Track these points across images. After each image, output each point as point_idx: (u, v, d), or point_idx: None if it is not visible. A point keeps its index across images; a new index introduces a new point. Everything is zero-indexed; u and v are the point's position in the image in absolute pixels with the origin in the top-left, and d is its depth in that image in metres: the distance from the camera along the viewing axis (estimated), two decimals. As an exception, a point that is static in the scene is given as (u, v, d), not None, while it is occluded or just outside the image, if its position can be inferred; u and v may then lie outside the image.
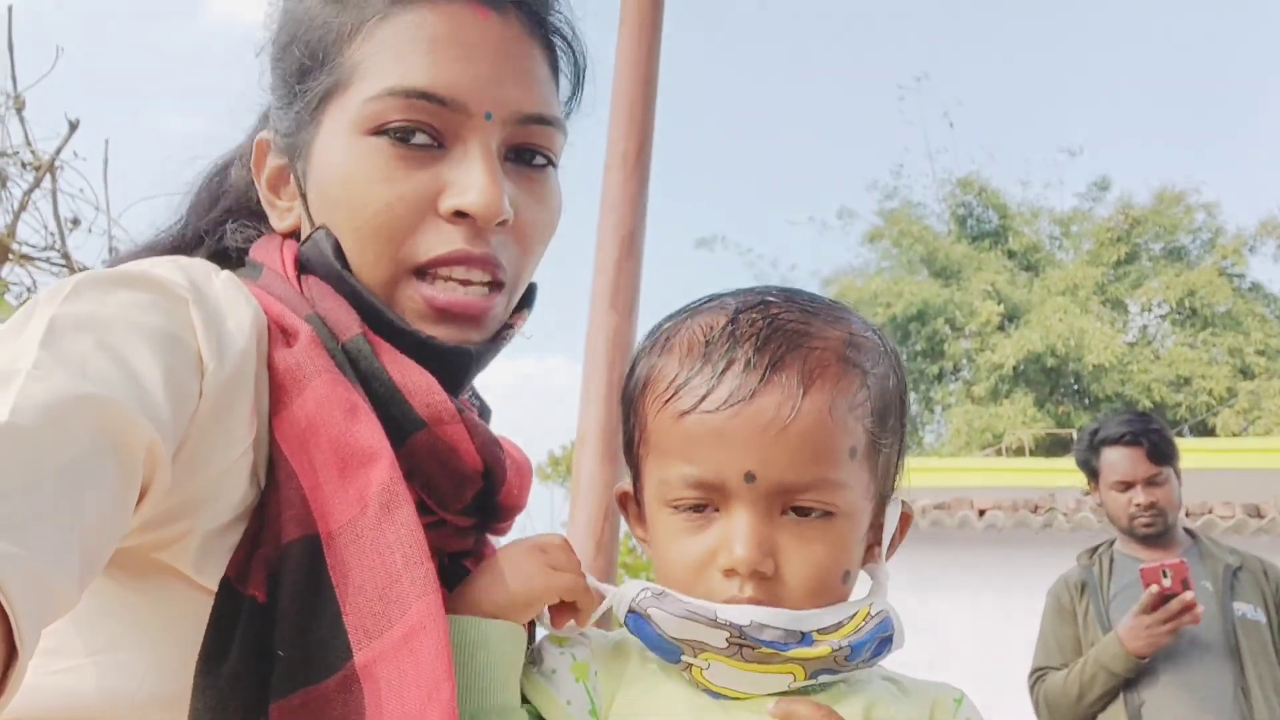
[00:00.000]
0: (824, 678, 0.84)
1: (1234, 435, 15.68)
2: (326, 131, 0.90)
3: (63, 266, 3.05)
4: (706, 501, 0.85)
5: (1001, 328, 18.37)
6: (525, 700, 0.86)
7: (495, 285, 0.91)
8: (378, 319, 0.88)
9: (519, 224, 0.91)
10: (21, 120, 3.03)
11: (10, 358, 0.67)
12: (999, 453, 14.47)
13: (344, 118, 0.89)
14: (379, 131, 0.87)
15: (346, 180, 0.89)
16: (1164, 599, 2.99)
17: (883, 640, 0.85)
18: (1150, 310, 19.65)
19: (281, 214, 0.97)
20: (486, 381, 1.02)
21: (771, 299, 0.88)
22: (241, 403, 0.79)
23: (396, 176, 0.87)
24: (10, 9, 2.91)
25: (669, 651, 0.84)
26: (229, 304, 0.83)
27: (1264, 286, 19.43)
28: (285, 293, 0.89)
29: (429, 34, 0.88)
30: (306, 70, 0.92)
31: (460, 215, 0.87)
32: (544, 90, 0.94)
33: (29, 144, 3.05)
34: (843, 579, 0.86)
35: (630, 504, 0.95)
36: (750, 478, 0.82)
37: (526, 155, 0.93)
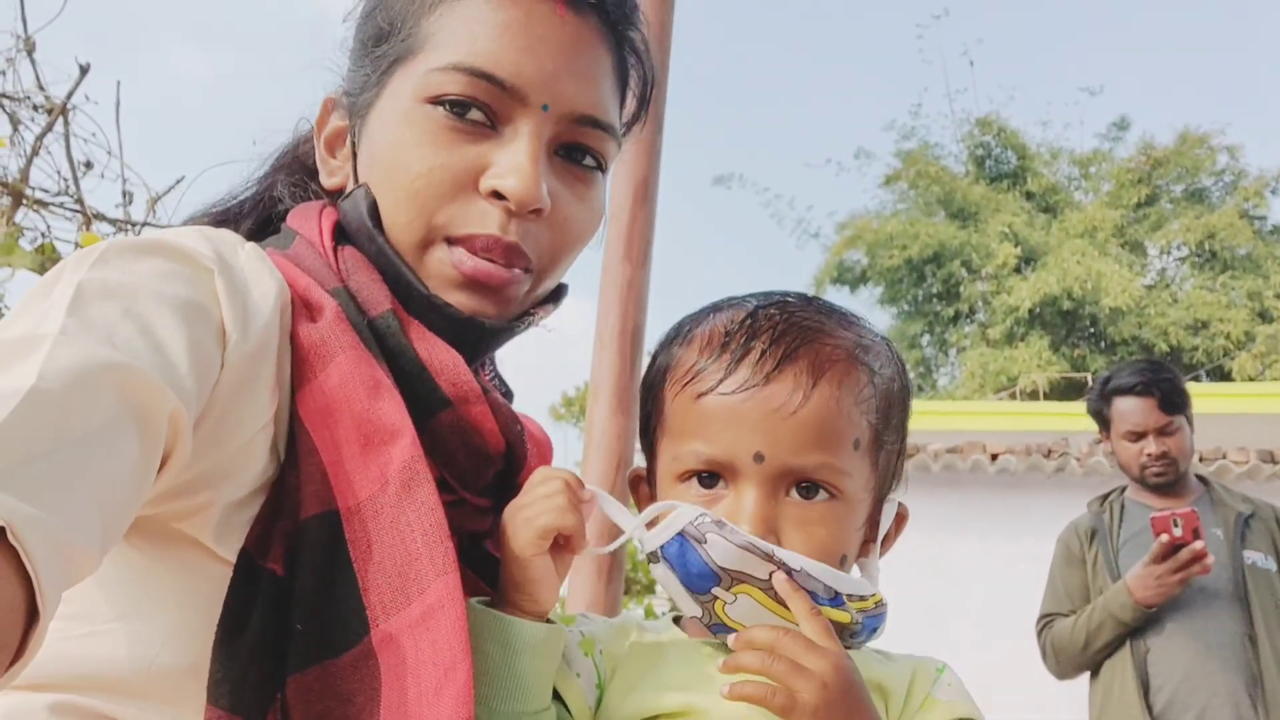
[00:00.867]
0: None
1: (1250, 380, 15.61)
2: (389, 94, 0.92)
3: (76, 211, 3.05)
4: (716, 473, 0.89)
5: (1018, 270, 18.25)
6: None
7: (524, 269, 0.92)
8: (402, 286, 0.89)
9: (557, 217, 0.92)
10: (33, 63, 3.01)
11: (36, 321, 0.68)
12: (1013, 396, 14.45)
13: (407, 84, 0.91)
14: (436, 101, 0.89)
15: (396, 143, 0.90)
16: (1174, 548, 3.00)
17: (874, 630, 0.91)
18: (1169, 253, 19.45)
19: (331, 171, 0.99)
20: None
21: (790, 300, 0.94)
22: (264, 375, 0.80)
23: (444, 146, 0.89)
24: (18, -48, 2.88)
25: (703, 580, 0.85)
26: (254, 276, 0.83)
27: (1286, 229, 19.22)
28: (314, 264, 0.89)
29: (503, 18, 0.90)
30: (383, 35, 0.94)
31: (497, 196, 0.88)
32: (605, 95, 0.95)
33: (41, 87, 3.03)
34: (840, 562, 0.89)
35: (642, 486, 0.99)
36: (759, 458, 0.86)
37: (577, 154, 0.94)
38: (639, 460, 1.03)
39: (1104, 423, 3.39)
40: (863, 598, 0.87)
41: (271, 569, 0.76)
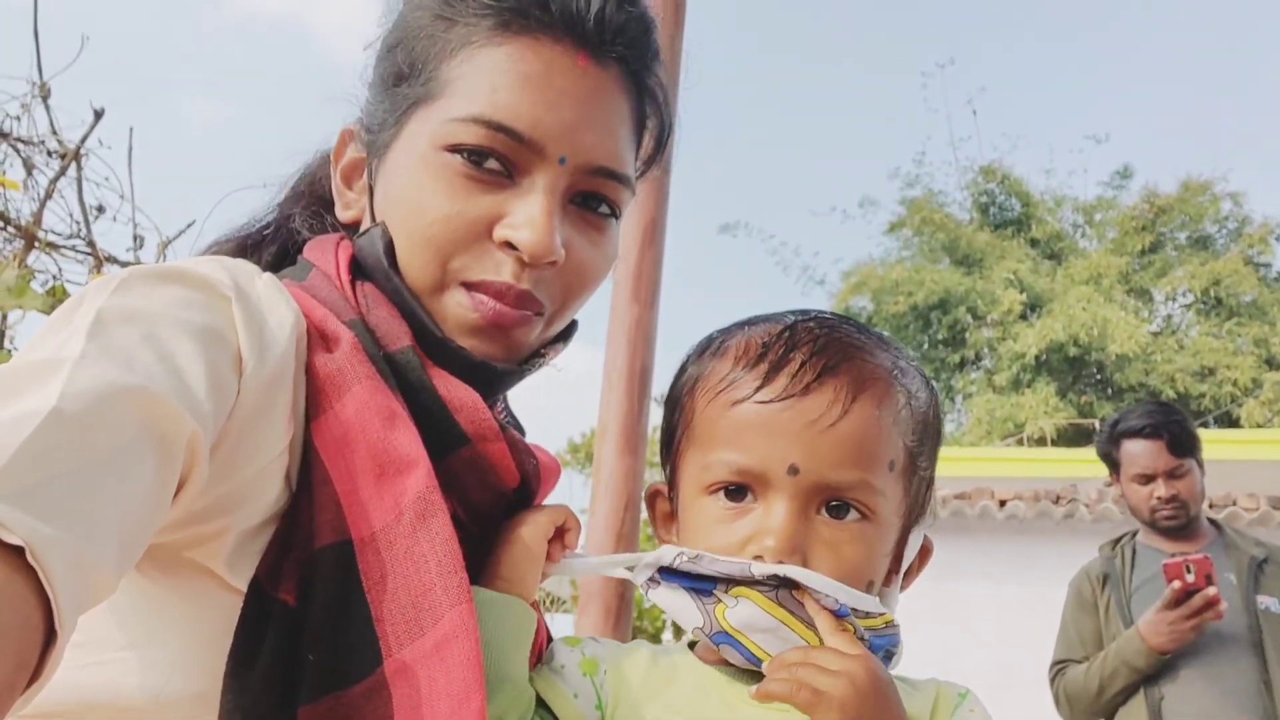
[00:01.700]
0: None
1: (1258, 426, 15.55)
2: (407, 135, 0.93)
3: (88, 254, 3.07)
4: (746, 486, 0.87)
5: (1024, 316, 18.28)
6: (541, 703, 0.87)
7: (536, 312, 0.92)
8: (415, 325, 0.90)
9: (570, 263, 0.92)
10: (47, 108, 3.04)
11: (58, 345, 0.68)
12: (1020, 442, 14.40)
13: (426, 128, 0.91)
14: (455, 150, 0.89)
15: (414, 186, 0.91)
16: (1187, 594, 2.97)
17: (889, 653, 0.88)
18: (1175, 300, 19.50)
19: (348, 204, 1.00)
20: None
21: (828, 316, 0.93)
22: (279, 403, 0.80)
23: (460, 194, 0.89)
24: (36, -1, 2.92)
25: (705, 585, 0.86)
26: (270, 305, 0.84)
27: (1290, 276, 19.25)
28: (330, 296, 0.90)
29: (524, 70, 0.90)
30: (404, 76, 0.95)
31: (511, 247, 0.89)
32: (622, 146, 0.95)
33: (55, 132, 3.07)
34: (867, 588, 0.87)
35: (660, 501, 0.97)
36: (794, 470, 0.84)
37: (593, 202, 0.95)
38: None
39: (1113, 465, 3.37)
40: (869, 614, 0.85)
41: (283, 599, 0.75)
